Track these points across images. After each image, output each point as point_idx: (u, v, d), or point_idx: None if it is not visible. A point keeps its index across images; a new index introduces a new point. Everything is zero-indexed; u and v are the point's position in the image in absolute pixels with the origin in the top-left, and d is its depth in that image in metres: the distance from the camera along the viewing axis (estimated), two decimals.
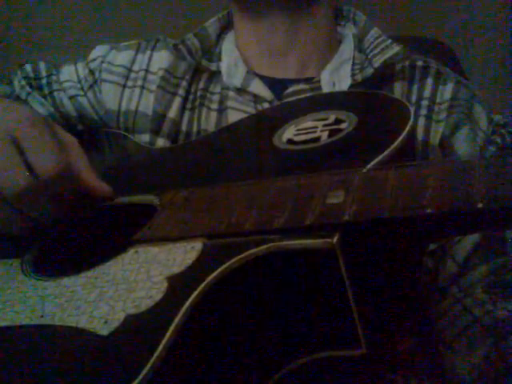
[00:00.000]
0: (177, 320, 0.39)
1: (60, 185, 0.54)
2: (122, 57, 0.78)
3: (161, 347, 0.38)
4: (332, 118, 0.59)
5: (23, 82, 0.78)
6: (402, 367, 0.64)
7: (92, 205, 0.60)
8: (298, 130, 0.59)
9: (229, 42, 0.78)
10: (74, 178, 0.56)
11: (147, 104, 0.75)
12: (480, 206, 0.40)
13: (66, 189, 0.55)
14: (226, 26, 0.79)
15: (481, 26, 1.52)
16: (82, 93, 0.78)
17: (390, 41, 0.72)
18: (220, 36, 0.79)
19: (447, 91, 0.71)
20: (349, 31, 0.77)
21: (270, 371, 0.46)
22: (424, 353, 0.66)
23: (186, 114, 0.75)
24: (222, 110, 0.73)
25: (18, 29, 1.47)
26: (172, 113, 0.74)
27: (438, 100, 0.71)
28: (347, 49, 0.75)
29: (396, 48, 0.71)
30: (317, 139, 0.57)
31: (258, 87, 0.73)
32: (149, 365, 0.37)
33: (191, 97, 0.75)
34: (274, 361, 0.47)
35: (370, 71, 0.71)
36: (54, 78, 0.80)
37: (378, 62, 0.70)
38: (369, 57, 0.72)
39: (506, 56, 1.53)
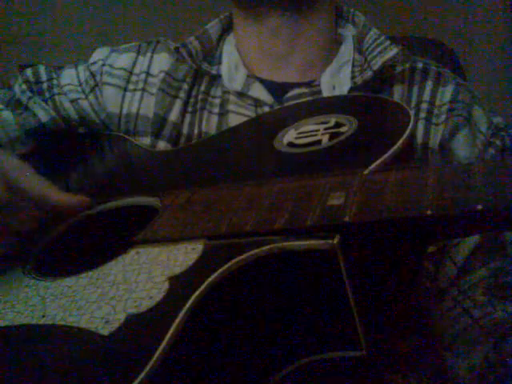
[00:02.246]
0: (177, 320, 0.40)
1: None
2: (123, 59, 0.78)
3: (161, 347, 0.38)
4: (332, 121, 0.59)
5: (24, 87, 0.77)
6: (402, 368, 0.64)
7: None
8: (298, 133, 0.60)
9: (229, 44, 0.77)
10: (43, 206, 0.57)
11: (148, 107, 0.75)
12: (479, 207, 0.40)
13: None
14: (228, 28, 0.78)
15: (481, 26, 1.52)
16: (83, 96, 0.78)
17: (388, 42, 0.71)
18: (221, 38, 0.78)
19: (447, 93, 0.71)
20: (348, 32, 0.76)
21: (270, 372, 0.47)
22: (424, 353, 0.66)
23: (187, 117, 0.74)
24: (222, 114, 0.73)
25: (20, 30, 1.48)
26: (173, 116, 0.74)
27: (437, 103, 0.70)
28: (347, 50, 0.74)
29: (394, 50, 0.70)
30: (318, 142, 0.57)
31: (258, 91, 0.72)
32: (149, 365, 0.37)
33: (192, 100, 0.75)
34: (274, 361, 0.47)
35: (369, 74, 0.70)
36: (55, 81, 0.79)
37: (376, 64, 0.69)
38: (368, 58, 0.71)
39: (506, 56, 1.53)
